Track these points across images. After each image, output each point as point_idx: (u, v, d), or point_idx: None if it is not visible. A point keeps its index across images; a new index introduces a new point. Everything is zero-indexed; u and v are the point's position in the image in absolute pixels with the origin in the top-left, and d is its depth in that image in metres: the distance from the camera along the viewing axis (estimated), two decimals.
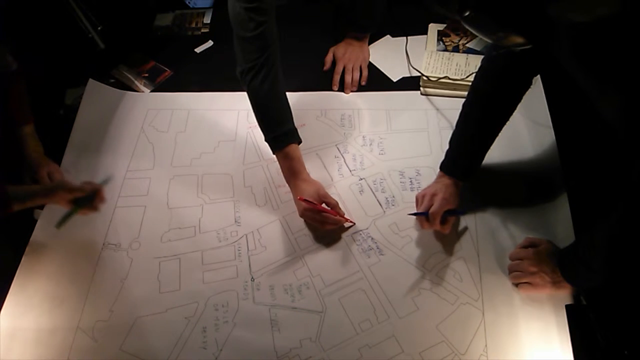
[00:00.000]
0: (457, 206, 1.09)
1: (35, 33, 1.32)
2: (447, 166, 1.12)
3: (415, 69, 1.35)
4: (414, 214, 1.11)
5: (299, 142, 1.16)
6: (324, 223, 1.11)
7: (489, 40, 0.76)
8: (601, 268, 0.90)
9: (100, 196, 1.12)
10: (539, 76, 1.26)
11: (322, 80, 1.41)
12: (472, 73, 1.30)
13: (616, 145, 0.77)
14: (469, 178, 1.11)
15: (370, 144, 1.28)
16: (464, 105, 1.10)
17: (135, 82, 1.45)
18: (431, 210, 1.07)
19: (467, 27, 0.74)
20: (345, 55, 1.41)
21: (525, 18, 0.67)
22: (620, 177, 0.83)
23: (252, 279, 1.09)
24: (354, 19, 1.41)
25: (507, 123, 1.17)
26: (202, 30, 1.57)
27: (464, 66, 1.33)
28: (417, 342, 0.99)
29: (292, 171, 1.14)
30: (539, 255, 1.02)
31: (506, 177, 1.19)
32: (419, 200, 1.12)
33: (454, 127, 1.12)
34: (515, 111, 1.21)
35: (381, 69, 1.43)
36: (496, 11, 0.66)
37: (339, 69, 1.40)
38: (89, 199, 1.10)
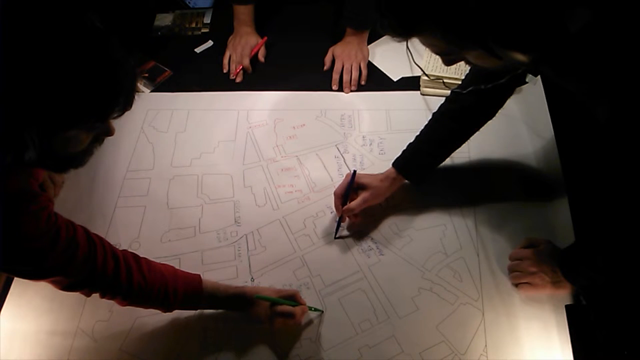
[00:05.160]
0: (379, 202, 1.12)
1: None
2: (398, 162, 1.12)
3: (417, 65, 1.34)
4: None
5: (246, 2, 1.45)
6: None
7: (490, 66, 0.77)
8: (603, 268, 0.90)
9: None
10: (539, 76, 1.26)
11: (322, 80, 1.41)
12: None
13: (610, 145, 0.78)
14: (411, 178, 1.13)
15: (370, 144, 1.28)
16: (439, 108, 1.12)
17: None
18: (348, 205, 1.09)
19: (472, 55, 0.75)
20: (344, 53, 1.41)
21: (540, 34, 0.68)
22: (620, 177, 0.83)
23: (252, 279, 1.09)
24: (351, 13, 1.41)
25: (507, 123, 1.17)
26: (202, 30, 1.57)
27: (464, 66, 1.32)
28: (417, 342, 0.99)
29: (238, 21, 1.47)
30: (539, 256, 1.02)
31: (506, 177, 1.19)
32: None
33: (423, 128, 1.13)
34: (516, 111, 1.22)
35: (381, 69, 1.43)
36: (517, 30, 0.67)
37: (338, 67, 1.40)
38: None
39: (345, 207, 1.10)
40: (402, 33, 0.74)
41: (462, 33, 0.69)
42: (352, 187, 1.10)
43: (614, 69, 0.69)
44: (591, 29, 0.67)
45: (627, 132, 0.71)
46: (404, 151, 1.13)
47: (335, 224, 1.14)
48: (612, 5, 0.67)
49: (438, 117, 1.11)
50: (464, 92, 1.04)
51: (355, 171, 1.11)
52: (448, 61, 0.81)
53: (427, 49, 0.79)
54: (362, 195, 1.10)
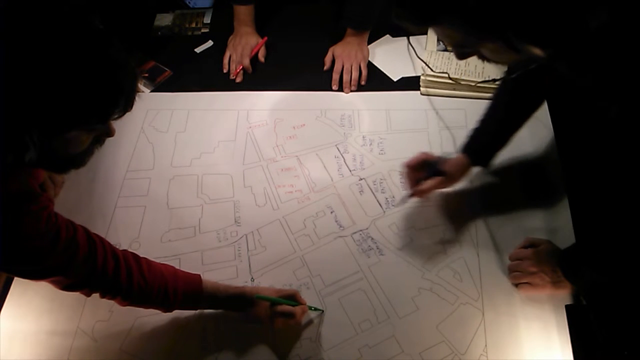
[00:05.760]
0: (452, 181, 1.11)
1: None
2: (465, 145, 1.12)
3: (421, 59, 1.33)
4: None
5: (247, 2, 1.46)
6: None
7: (504, 61, 0.76)
8: (603, 268, 0.90)
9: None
10: None
11: (322, 80, 1.41)
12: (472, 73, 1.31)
13: (617, 144, 0.78)
14: (479, 160, 1.11)
15: (370, 144, 1.28)
16: (495, 90, 1.11)
17: None
18: (421, 187, 1.09)
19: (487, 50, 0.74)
20: (344, 53, 1.41)
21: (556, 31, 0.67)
22: (620, 177, 0.83)
23: (252, 279, 1.09)
24: (351, 13, 1.41)
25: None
26: (202, 30, 1.57)
27: (464, 66, 1.32)
28: (417, 342, 0.99)
29: (238, 21, 1.48)
30: (539, 255, 1.02)
31: (506, 177, 1.19)
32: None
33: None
34: None
35: (381, 69, 1.43)
36: (534, 26, 0.66)
37: (338, 67, 1.40)
38: None
39: (420, 189, 1.09)
40: (419, 22, 0.72)
41: (483, 24, 0.67)
42: (437, 171, 1.09)
43: (628, 68, 0.68)
44: (608, 28, 0.66)
45: (636, 131, 0.71)
46: (468, 136, 1.12)
47: (404, 195, 1.13)
48: (629, 7, 0.66)
49: (494, 98, 1.10)
50: (512, 76, 1.02)
51: (441, 156, 1.10)
52: (461, 54, 0.78)
53: (425, 51, 0.79)
54: (438, 180, 1.08)
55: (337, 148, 1.28)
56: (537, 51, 0.69)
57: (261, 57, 1.47)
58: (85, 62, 0.63)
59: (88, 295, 0.91)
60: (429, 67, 1.30)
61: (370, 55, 1.44)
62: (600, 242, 0.91)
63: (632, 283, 0.91)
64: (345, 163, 1.25)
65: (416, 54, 1.34)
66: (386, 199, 1.18)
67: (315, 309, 1.03)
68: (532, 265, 1.01)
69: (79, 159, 0.75)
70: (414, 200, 1.16)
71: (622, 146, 0.74)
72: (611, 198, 0.89)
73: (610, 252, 0.88)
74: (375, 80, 1.40)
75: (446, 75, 1.30)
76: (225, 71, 1.46)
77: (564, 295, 1.01)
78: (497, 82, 0.98)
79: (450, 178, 1.10)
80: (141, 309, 0.98)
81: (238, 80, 1.44)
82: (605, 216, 0.92)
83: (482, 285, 1.05)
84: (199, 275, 0.99)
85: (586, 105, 0.83)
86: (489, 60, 0.77)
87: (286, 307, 0.99)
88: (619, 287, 0.95)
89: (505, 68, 1.10)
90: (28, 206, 0.75)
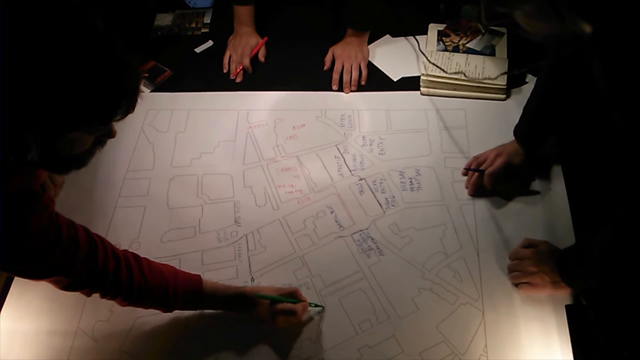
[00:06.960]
0: (520, 171, 1.14)
1: None
2: (515, 130, 1.14)
3: (432, 63, 1.33)
4: (469, 169, 1.16)
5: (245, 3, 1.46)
6: None
7: (535, 32, 0.71)
8: (597, 272, 0.89)
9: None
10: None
11: (322, 80, 1.41)
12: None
13: (618, 146, 0.77)
14: (532, 146, 1.13)
15: (370, 144, 1.28)
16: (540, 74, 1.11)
17: None
18: (489, 170, 1.11)
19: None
20: (344, 53, 1.41)
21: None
22: (620, 179, 0.83)
23: (252, 280, 1.09)
24: (351, 13, 1.41)
25: (507, 123, 1.16)
26: (202, 30, 1.57)
27: (464, 66, 1.32)
28: (417, 342, 0.99)
29: (238, 21, 1.48)
30: (539, 255, 1.02)
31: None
32: (479, 158, 1.16)
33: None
34: (516, 111, 1.21)
35: (381, 69, 1.43)
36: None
37: (338, 67, 1.40)
38: None
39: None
40: None
41: None
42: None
43: None
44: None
45: None
46: (519, 118, 1.14)
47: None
48: None
49: (539, 82, 1.11)
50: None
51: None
52: (491, 15, 0.71)
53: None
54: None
55: (337, 148, 1.28)
56: (582, 24, 0.63)
57: (261, 57, 1.48)
58: (90, 64, 0.63)
59: (88, 295, 0.91)
60: (429, 60, 1.29)
61: (370, 55, 1.44)
62: (598, 244, 0.90)
63: (630, 286, 0.91)
64: (345, 163, 1.25)
65: (419, 47, 1.33)
66: (386, 199, 1.18)
67: (316, 305, 1.03)
68: (532, 265, 1.01)
69: (81, 160, 0.75)
70: (414, 200, 1.16)
71: (628, 150, 0.73)
72: (611, 200, 0.89)
73: (608, 254, 0.88)
74: (375, 80, 1.40)
75: (446, 75, 1.31)
76: (225, 71, 1.46)
77: (564, 295, 1.01)
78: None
79: (514, 167, 1.13)
80: (141, 309, 0.98)
81: (238, 80, 1.44)
82: (604, 218, 0.91)
83: (482, 285, 1.05)
84: (199, 275, 0.99)
85: (587, 106, 0.82)
86: (519, 30, 0.70)
87: (287, 305, 0.99)
88: (616, 290, 0.94)
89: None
90: (29, 206, 0.75)
